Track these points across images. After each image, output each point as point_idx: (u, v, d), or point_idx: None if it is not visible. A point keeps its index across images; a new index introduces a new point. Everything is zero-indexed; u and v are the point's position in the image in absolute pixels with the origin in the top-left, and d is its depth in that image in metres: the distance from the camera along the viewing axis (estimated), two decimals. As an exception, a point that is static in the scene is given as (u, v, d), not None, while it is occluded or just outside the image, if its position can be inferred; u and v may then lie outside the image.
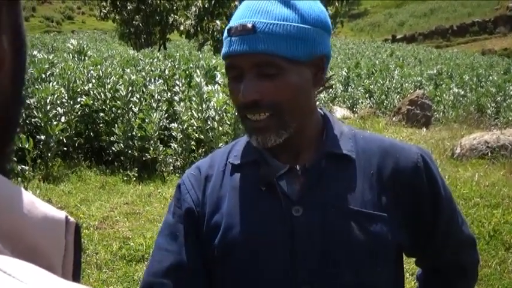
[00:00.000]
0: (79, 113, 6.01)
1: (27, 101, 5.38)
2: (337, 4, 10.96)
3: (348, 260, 0.89)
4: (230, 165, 0.97)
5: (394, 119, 9.00)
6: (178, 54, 9.92)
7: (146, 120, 5.61)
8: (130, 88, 5.99)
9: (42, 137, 5.31)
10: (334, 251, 0.89)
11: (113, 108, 6.05)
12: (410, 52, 34.41)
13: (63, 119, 5.57)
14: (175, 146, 5.77)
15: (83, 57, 7.61)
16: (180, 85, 6.72)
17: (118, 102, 5.97)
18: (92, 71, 6.45)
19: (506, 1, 51.35)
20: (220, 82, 6.34)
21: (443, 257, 1.04)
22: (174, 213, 0.97)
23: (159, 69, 7.28)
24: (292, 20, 0.85)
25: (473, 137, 6.32)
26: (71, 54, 7.78)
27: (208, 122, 5.66)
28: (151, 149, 5.60)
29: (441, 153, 6.30)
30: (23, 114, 5.29)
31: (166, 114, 6.15)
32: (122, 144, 5.70)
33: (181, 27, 14.72)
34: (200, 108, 5.69)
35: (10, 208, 0.36)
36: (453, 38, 51.20)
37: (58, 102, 5.57)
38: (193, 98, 5.89)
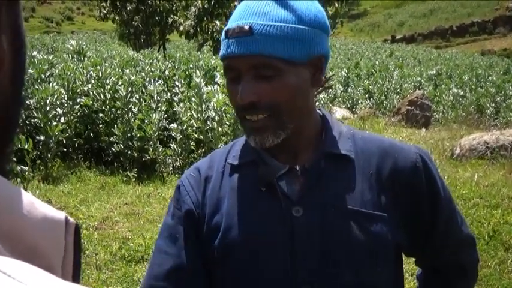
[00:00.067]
0: (78, 113, 6.01)
1: (27, 102, 5.38)
2: (336, 4, 10.96)
3: (347, 260, 0.89)
4: (229, 165, 0.97)
5: (393, 119, 9.00)
6: (178, 55, 9.92)
7: (146, 121, 5.61)
8: (129, 89, 5.99)
9: (42, 138, 5.31)
10: (334, 251, 0.89)
11: (113, 109, 6.05)
12: (409, 52, 34.44)
13: (62, 120, 5.57)
14: (175, 146, 5.77)
15: (82, 58, 7.61)
16: (180, 86, 6.72)
17: (117, 102, 5.97)
18: (91, 72, 6.45)
19: (506, 1, 51.40)
20: (219, 83, 6.35)
21: (443, 256, 1.04)
22: (174, 214, 0.97)
23: (158, 70, 7.28)
24: (289, 21, 0.85)
25: (473, 138, 6.32)
26: (70, 55, 7.78)
27: (208, 123, 5.66)
28: (151, 149, 5.60)
29: (441, 154, 6.30)
30: (23, 115, 5.29)
31: (166, 115, 6.15)
32: (121, 145, 5.70)
33: (181, 28, 14.72)
34: (200, 108, 5.69)
35: (10, 209, 0.36)
36: (453, 38, 51.25)
37: (57, 102, 5.57)
38: (193, 99, 5.89)
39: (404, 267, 1.21)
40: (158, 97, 6.11)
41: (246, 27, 0.84)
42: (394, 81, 12.96)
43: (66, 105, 5.77)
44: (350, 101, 11.52)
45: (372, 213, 0.90)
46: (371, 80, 13.62)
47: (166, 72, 7.25)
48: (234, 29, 0.85)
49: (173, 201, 1.00)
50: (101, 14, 18.69)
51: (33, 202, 0.39)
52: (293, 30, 0.85)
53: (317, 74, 0.91)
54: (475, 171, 5.31)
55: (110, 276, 3.38)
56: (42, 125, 5.32)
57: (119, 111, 5.98)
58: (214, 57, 9.04)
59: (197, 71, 6.78)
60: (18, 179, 4.63)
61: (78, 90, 6.08)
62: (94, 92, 6.18)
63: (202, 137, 5.70)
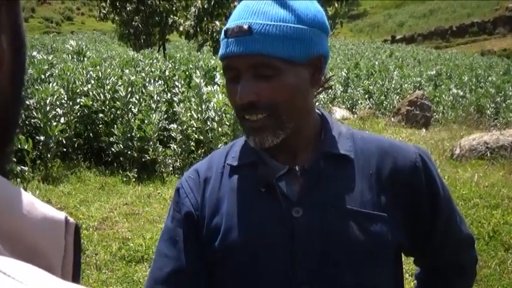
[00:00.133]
0: (78, 113, 6.01)
1: (27, 102, 5.39)
2: (336, 5, 10.96)
3: (347, 260, 0.89)
4: (228, 166, 0.97)
5: (393, 119, 9.00)
6: (178, 55, 9.92)
7: (145, 121, 5.61)
8: (129, 89, 5.99)
9: (42, 138, 5.31)
10: (334, 251, 0.89)
11: (112, 109, 6.06)
12: (409, 53, 34.47)
13: (62, 120, 5.57)
14: (175, 146, 5.77)
15: (82, 58, 7.61)
16: (180, 86, 6.73)
17: (117, 103, 5.97)
18: (91, 72, 6.45)
19: (506, 2, 51.41)
20: (219, 83, 6.35)
21: (442, 256, 1.04)
22: (173, 217, 0.97)
23: (158, 70, 7.28)
24: (289, 20, 0.85)
25: (473, 138, 6.32)
26: (70, 55, 7.79)
27: (208, 123, 5.66)
28: (151, 149, 5.60)
29: (440, 154, 6.30)
30: (23, 115, 5.29)
31: (166, 115, 6.15)
32: (121, 145, 5.70)
33: (181, 28, 14.73)
34: (200, 109, 5.69)
35: (10, 209, 0.36)
36: (452, 38, 51.28)
37: (57, 103, 5.57)
38: (193, 99, 5.89)
39: (404, 267, 1.21)
40: (158, 97, 6.11)
41: (245, 26, 0.84)
42: (394, 82, 12.97)
43: (66, 105, 5.77)
44: (350, 102, 11.52)
45: (371, 213, 0.90)
46: (371, 80, 13.63)
47: (166, 73, 7.25)
48: (233, 29, 0.85)
49: (173, 204, 1.00)
50: (101, 14, 18.69)
51: (33, 202, 0.39)
52: (292, 29, 0.85)
53: (316, 74, 0.90)
54: (475, 172, 5.31)
55: (110, 276, 3.37)
56: (42, 125, 5.32)
57: (118, 112, 5.98)
58: (214, 57, 9.04)
59: (197, 71, 6.78)
60: (18, 179, 4.63)
61: (78, 91, 6.08)
62: (94, 92, 6.18)
63: (202, 137, 5.70)
